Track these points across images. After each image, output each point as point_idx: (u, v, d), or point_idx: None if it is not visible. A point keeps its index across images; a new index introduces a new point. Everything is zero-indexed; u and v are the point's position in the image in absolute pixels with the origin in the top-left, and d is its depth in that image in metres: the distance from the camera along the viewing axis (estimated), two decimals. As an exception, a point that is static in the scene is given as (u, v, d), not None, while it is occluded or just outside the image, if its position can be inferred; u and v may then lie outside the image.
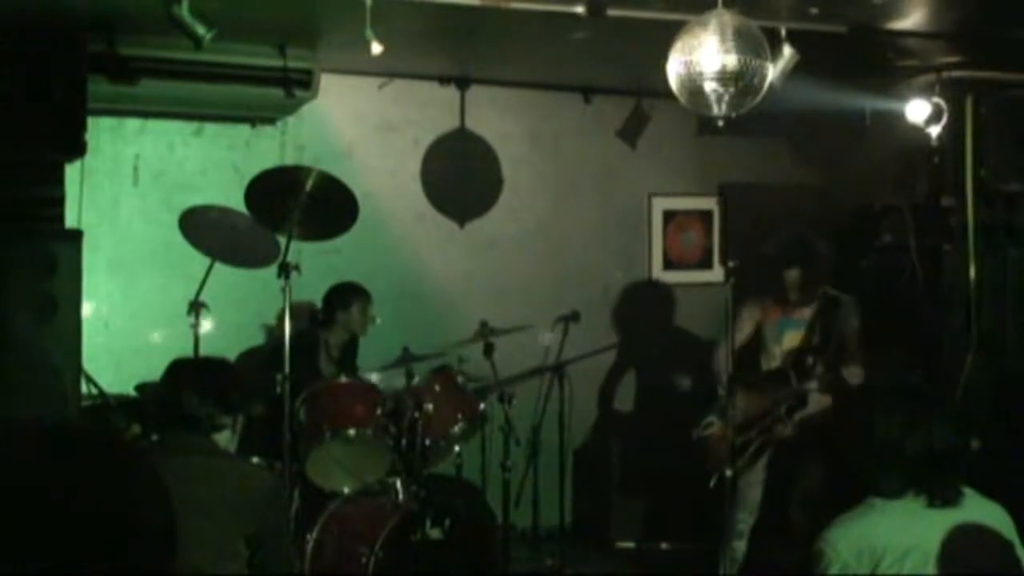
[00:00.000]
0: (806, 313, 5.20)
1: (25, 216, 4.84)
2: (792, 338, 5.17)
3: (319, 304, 5.73)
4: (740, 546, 5.11)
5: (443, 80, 6.52)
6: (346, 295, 5.63)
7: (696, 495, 5.17)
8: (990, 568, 2.60)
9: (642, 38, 4.70)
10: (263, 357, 5.66)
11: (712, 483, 5.06)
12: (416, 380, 5.25)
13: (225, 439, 3.26)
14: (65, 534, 1.13)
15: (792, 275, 5.17)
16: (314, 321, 5.69)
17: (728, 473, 4.84)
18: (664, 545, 6.15)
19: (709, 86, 3.80)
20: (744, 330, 5.30)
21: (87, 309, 4.86)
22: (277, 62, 5.44)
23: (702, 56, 3.79)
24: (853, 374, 4.99)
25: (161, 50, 5.13)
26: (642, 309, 6.94)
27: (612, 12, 4.59)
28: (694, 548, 5.32)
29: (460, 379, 5.34)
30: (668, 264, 7.09)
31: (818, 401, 5.10)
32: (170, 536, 1.24)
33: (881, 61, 5.54)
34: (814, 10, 4.63)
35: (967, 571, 2.55)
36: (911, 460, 2.57)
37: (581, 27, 4.82)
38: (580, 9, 4.58)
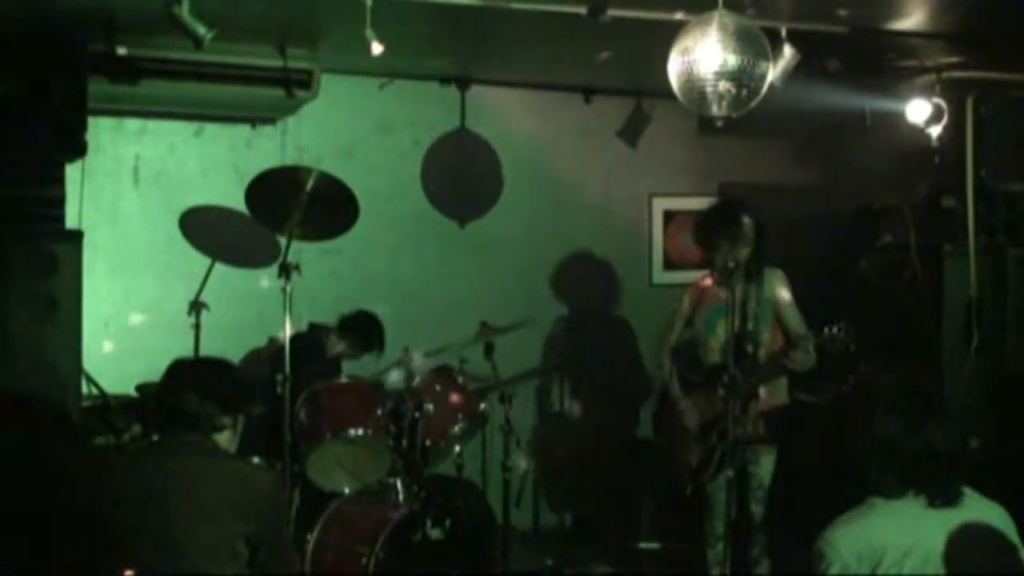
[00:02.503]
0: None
1: (25, 216, 4.84)
2: (726, 325, 4.75)
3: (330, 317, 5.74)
4: (720, 549, 5.03)
5: (443, 80, 6.52)
6: (382, 342, 5.66)
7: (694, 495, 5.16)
8: (995, 569, 2.59)
9: (642, 38, 4.70)
10: (269, 357, 5.66)
11: (688, 491, 5.03)
12: (416, 380, 5.26)
13: (225, 439, 3.26)
14: None
15: (744, 229, 4.82)
16: (318, 326, 5.68)
17: (730, 473, 4.66)
18: (664, 545, 6.15)
19: (710, 86, 3.80)
20: (676, 326, 5.13)
21: (87, 309, 4.85)
22: (277, 62, 5.44)
23: (703, 56, 3.79)
24: (797, 359, 4.67)
25: (161, 50, 5.13)
26: (642, 311, 6.93)
27: (612, 12, 4.59)
28: (692, 548, 5.31)
29: (460, 379, 5.34)
30: (668, 264, 7.09)
31: (770, 391, 4.92)
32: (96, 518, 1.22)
33: (881, 61, 5.54)
34: (843, 12, 4.63)
35: (973, 572, 2.55)
36: (911, 460, 2.57)
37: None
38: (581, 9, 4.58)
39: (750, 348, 4.86)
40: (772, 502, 4.99)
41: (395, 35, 4.44)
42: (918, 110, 5.49)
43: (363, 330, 5.66)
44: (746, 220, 4.87)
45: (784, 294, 4.97)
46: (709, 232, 4.95)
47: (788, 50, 4.77)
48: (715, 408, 4.85)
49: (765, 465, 4.95)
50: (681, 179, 7.09)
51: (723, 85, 3.79)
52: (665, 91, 4.05)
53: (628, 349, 6.90)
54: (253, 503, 3.15)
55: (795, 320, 4.92)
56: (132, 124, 5.91)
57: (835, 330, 4.50)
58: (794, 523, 4.71)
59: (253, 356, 5.92)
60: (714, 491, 4.98)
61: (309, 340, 5.51)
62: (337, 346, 5.66)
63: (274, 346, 5.51)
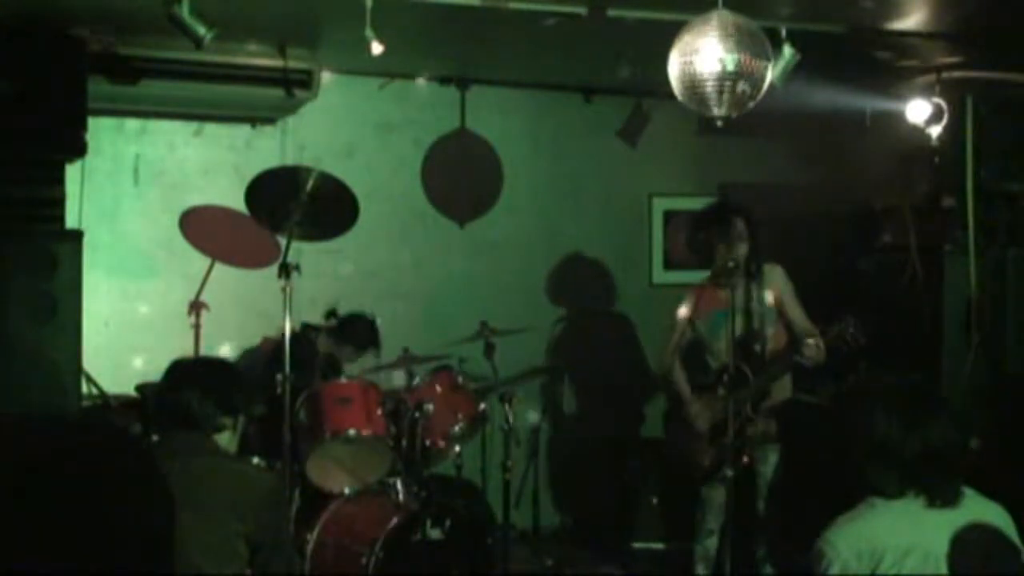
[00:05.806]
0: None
1: (25, 216, 4.84)
2: (730, 327, 4.85)
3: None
4: (712, 544, 5.04)
5: (443, 80, 6.52)
6: (377, 342, 5.57)
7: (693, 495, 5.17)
8: (998, 570, 2.59)
9: (642, 38, 4.70)
10: (263, 356, 5.65)
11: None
12: (416, 380, 5.26)
13: (225, 439, 3.26)
14: (61, 532, 1.12)
15: (738, 227, 4.84)
16: (311, 327, 5.65)
17: (730, 473, 4.67)
18: (663, 545, 6.14)
19: (709, 86, 3.80)
20: (680, 330, 5.07)
21: (87, 309, 4.85)
22: (277, 62, 5.45)
23: (703, 56, 3.79)
24: (807, 354, 4.68)
25: (161, 50, 5.14)
26: (642, 311, 6.93)
27: (612, 12, 4.59)
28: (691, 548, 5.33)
29: (460, 379, 5.34)
30: (668, 264, 7.09)
31: (781, 389, 4.96)
32: (169, 536, 1.22)
33: (881, 61, 5.54)
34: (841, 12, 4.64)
35: (976, 572, 2.55)
36: (911, 460, 2.57)
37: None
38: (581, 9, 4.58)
39: (758, 347, 4.89)
40: (773, 502, 5.01)
41: (395, 35, 4.44)
42: (918, 110, 5.49)
43: (356, 334, 5.61)
44: (738, 218, 4.90)
45: (786, 289, 5.00)
46: (704, 235, 4.97)
47: (788, 50, 4.77)
48: (725, 408, 4.85)
49: (771, 462, 4.96)
50: (681, 179, 7.08)
51: (723, 85, 3.79)
52: (665, 91, 4.05)
53: (628, 349, 6.90)
54: (253, 503, 3.14)
55: (799, 314, 4.96)
56: (132, 124, 5.91)
57: (843, 327, 4.54)
58: (794, 523, 4.73)
59: (246, 356, 5.91)
60: (711, 487, 4.99)
61: (301, 340, 5.47)
62: (327, 346, 5.63)
63: (268, 344, 5.50)
